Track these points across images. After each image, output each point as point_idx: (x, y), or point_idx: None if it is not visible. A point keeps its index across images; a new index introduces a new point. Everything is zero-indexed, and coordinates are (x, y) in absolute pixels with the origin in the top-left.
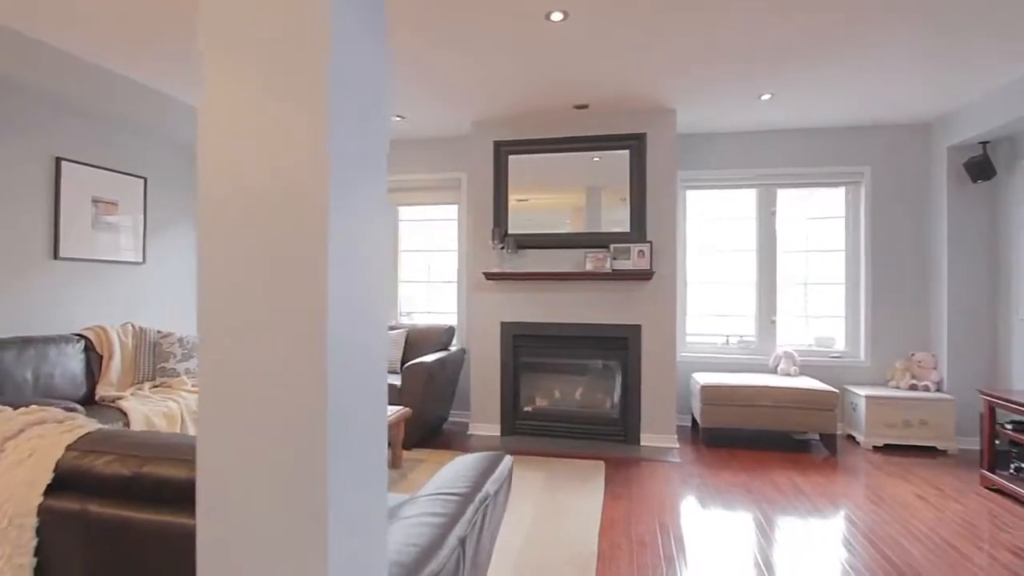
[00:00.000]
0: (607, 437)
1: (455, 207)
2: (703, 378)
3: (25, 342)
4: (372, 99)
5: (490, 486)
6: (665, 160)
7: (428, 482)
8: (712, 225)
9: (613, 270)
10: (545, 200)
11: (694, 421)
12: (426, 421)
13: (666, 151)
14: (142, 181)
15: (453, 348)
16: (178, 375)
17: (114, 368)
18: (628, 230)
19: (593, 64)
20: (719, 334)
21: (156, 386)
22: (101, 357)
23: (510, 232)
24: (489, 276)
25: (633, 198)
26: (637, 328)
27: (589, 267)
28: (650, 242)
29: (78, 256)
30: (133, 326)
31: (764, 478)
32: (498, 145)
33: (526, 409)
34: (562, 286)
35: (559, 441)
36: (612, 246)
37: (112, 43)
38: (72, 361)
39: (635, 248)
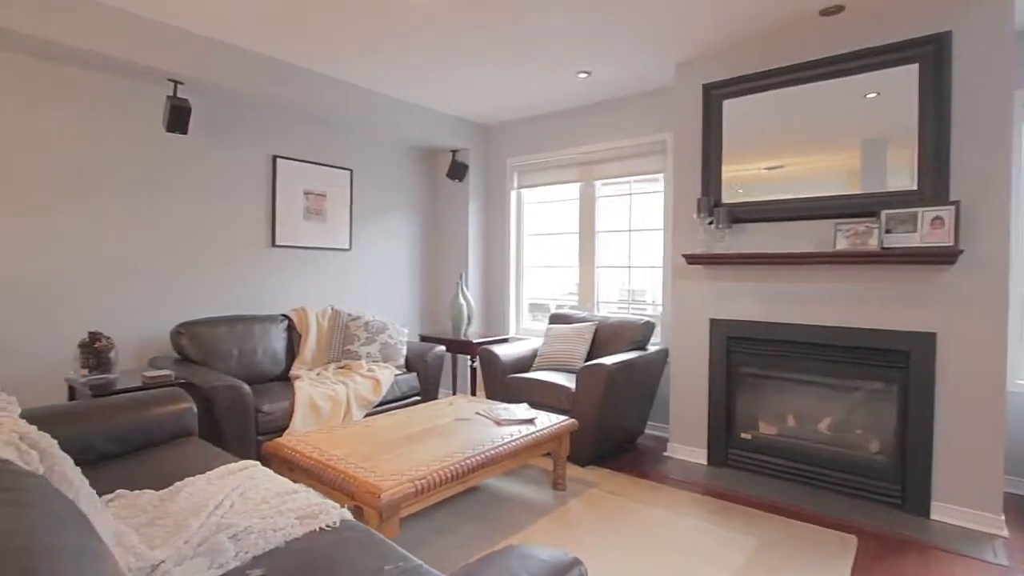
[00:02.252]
0: (869, 496)
1: (660, 177)
2: None
3: (234, 320)
4: None
5: None
6: (988, 72)
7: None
8: None
9: (884, 249)
10: (796, 164)
11: None
12: (608, 434)
13: (991, 57)
14: (348, 173)
15: (652, 347)
16: (359, 357)
17: (308, 348)
18: (914, 186)
19: None
20: None
21: (341, 367)
22: (300, 336)
23: (723, 202)
24: (691, 260)
25: (925, 136)
26: (928, 337)
27: (842, 245)
28: (955, 203)
29: (291, 244)
30: (332, 308)
31: None
32: (707, 89)
33: (744, 436)
34: (797, 273)
35: (789, 488)
36: (883, 213)
37: (327, 52)
38: (275, 340)
39: (926, 214)
